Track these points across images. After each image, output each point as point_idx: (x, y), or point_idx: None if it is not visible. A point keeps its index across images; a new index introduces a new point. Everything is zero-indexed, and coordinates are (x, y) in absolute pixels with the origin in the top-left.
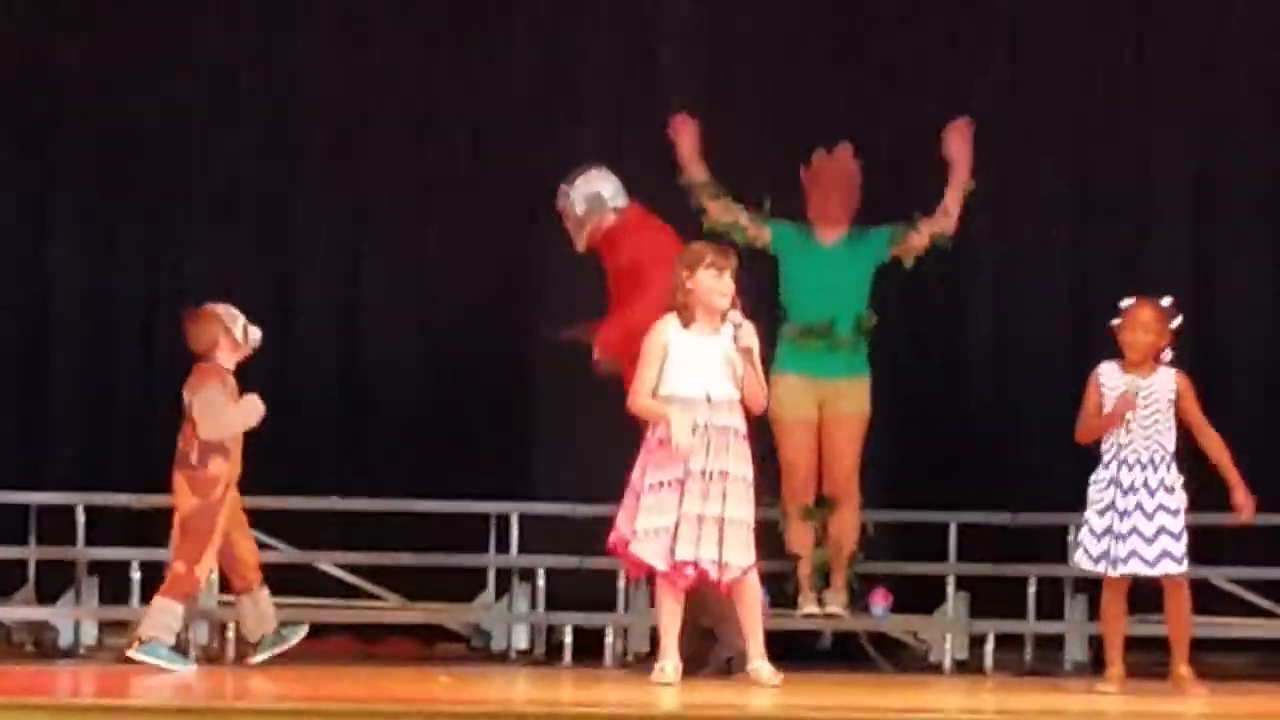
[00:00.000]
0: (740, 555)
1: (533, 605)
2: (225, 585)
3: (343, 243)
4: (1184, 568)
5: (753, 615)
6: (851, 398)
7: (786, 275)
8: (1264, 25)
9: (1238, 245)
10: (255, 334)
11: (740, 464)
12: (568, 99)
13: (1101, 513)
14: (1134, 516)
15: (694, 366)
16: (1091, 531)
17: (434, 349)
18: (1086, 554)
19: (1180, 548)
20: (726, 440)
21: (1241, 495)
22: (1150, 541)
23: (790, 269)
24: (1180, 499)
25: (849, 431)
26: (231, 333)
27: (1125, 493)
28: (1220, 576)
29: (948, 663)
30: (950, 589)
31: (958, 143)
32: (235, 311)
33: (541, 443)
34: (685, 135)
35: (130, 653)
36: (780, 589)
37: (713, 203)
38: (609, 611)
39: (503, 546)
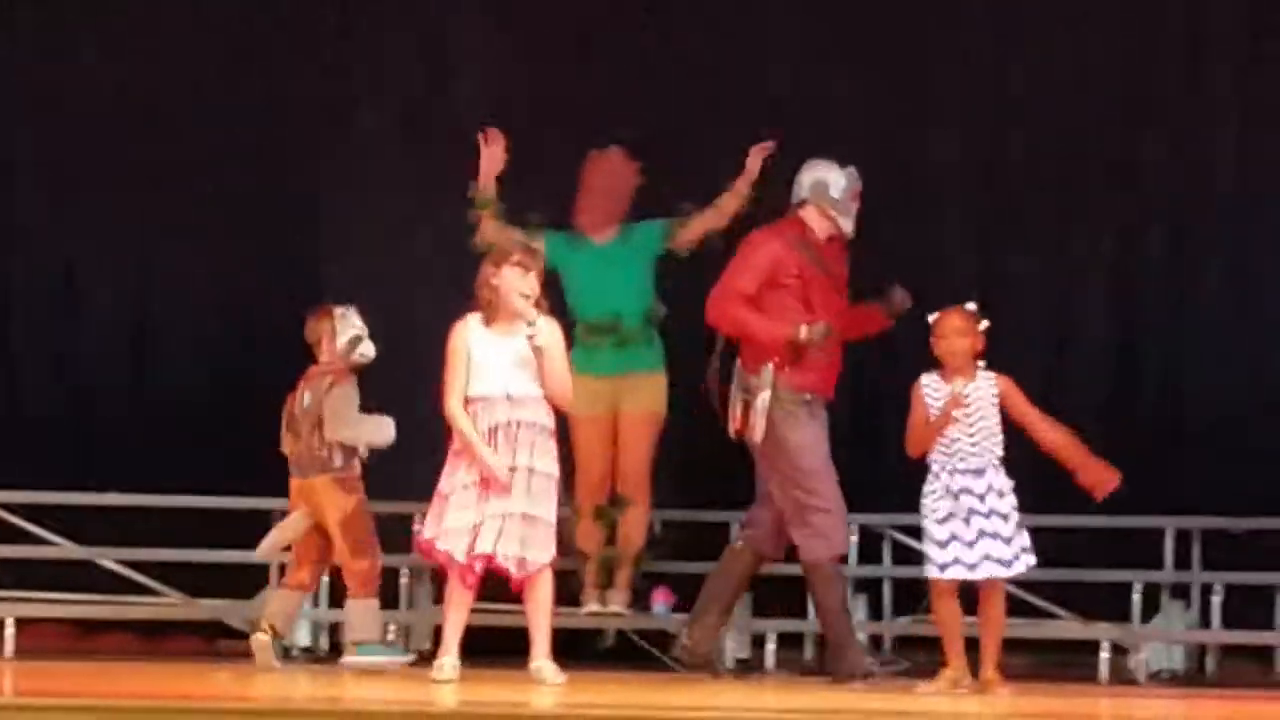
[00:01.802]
0: (540, 552)
1: (315, 602)
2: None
3: (131, 240)
4: (1010, 571)
5: (543, 613)
6: (645, 394)
7: (567, 279)
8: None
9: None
10: (365, 350)
11: (544, 460)
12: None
13: (941, 522)
14: (974, 521)
15: (494, 365)
16: (935, 541)
17: (218, 345)
18: (934, 564)
19: (1009, 551)
20: (531, 437)
21: (1095, 472)
22: (989, 541)
23: (568, 273)
24: (1011, 502)
25: (641, 430)
26: (335, 337)
27: (958, 498)
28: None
29: (729, 661)
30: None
31: (754, 155)
32: (355, 321)
33: None
34: (493, 149)
35: (346, 660)
36: (565, 587)
37: (491, 221)
38: (391, 609)
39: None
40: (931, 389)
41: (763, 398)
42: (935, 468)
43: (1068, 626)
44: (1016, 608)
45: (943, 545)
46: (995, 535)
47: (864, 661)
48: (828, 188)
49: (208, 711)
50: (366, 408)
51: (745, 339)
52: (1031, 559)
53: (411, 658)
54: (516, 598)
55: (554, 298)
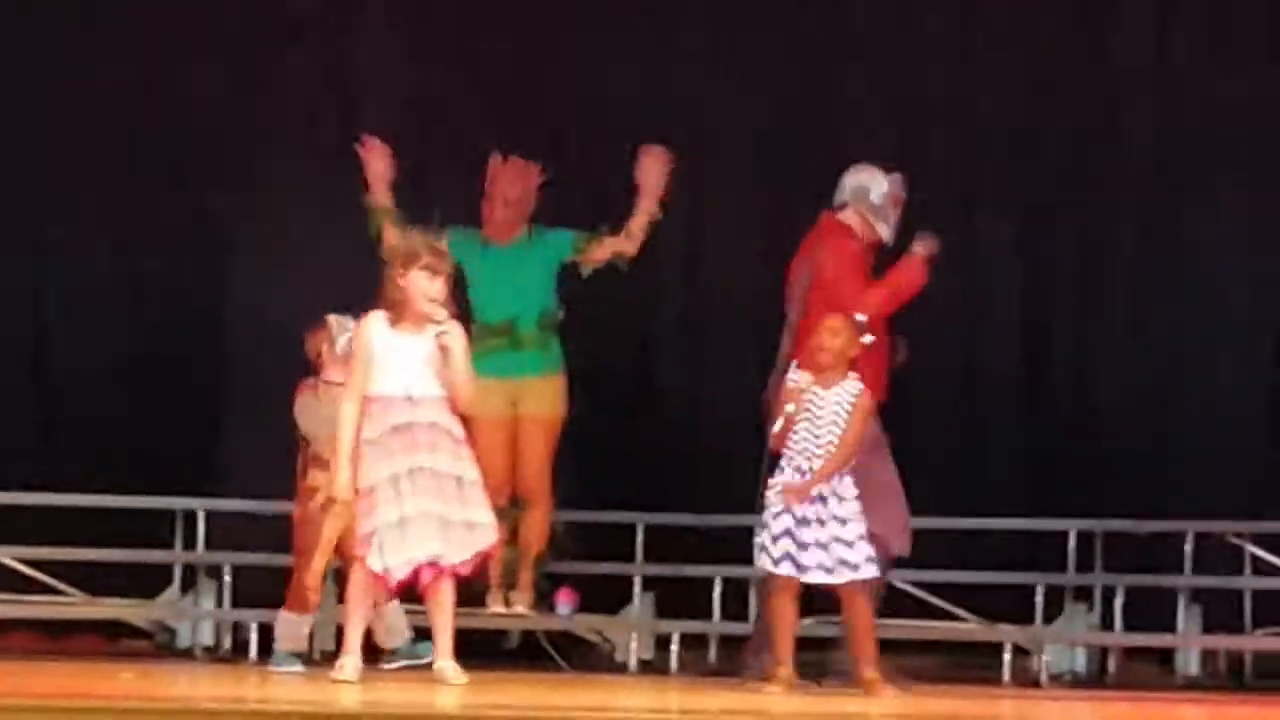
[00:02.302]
0: (448, 553)
1: (219, 602)
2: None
3: (31, 235)
4: (861, 574)
5: (444, 614)
6: (542, 397)
7: (468, 279)
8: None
9: None
10: None
11: (448, 460)
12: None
13: (776, 516)
14: (812, 526)
15: (396, 365)
16: (770, 534)
17: (126, 344)
18: (769, 557)
19: (856, 555)
20: (432, 438)
21: (802, 486)
22: (826, 549)
23: (469, 273)
24: (853, 508)
25: (540, 432)
26: (334, 345)
27: (801, 500)
28: (903, 579)
29: (633, 662)
30: (637, 589)
31: (649, 170)
32: (349, 325)
33: (231, 439)
34: (375, 158)
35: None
36: (468, 587)
37: (392, 229)
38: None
39: (189, 543)
40: (792, 382)
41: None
42: (782, 463)
43: (971, 629)
44: (920, 609)
45: (775, 539)
46: (834, 540)
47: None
48: (868, 192)
49: (111, 711)
50: None
51: (901, 304)
52: (873, 568)
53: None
54: (416, 598)
55: (458, 296)
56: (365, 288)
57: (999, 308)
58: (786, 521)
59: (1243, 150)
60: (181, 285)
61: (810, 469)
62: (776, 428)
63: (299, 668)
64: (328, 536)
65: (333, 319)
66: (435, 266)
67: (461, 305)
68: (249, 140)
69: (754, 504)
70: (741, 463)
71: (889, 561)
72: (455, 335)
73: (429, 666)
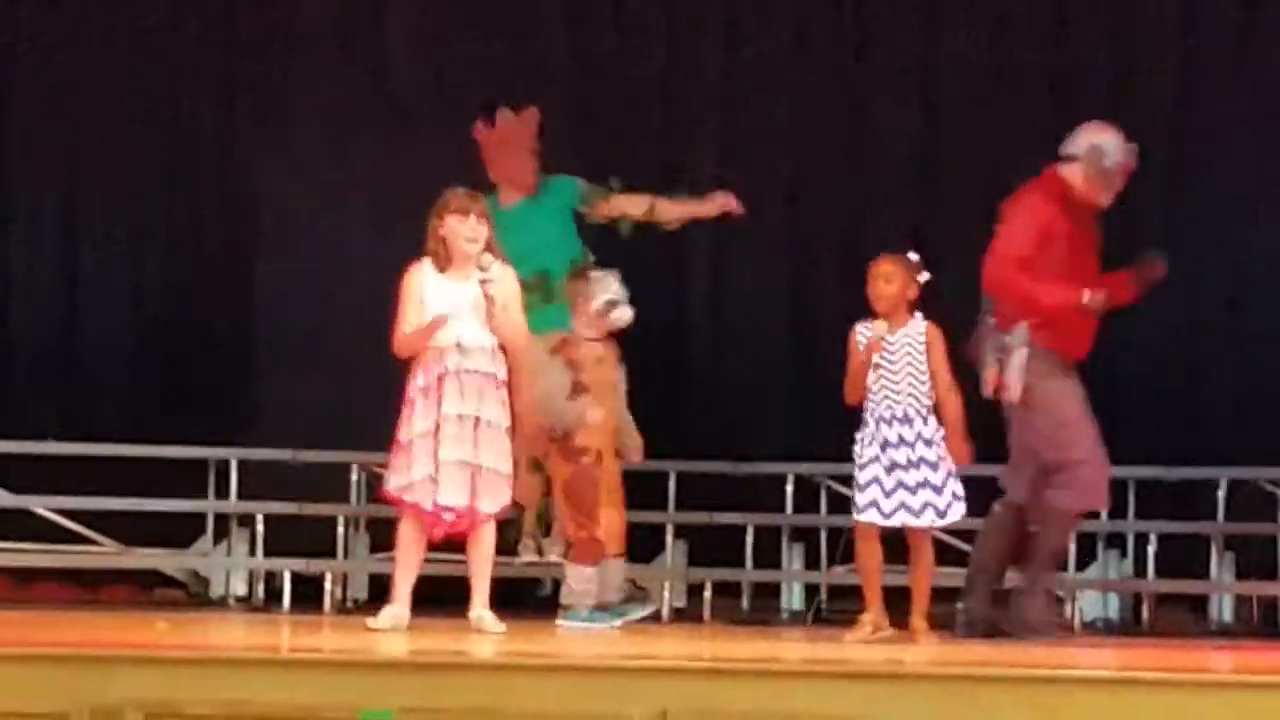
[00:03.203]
0: (489, 502)
1: (251, 551)
2: None
3: (56, 181)
4: (946, 520)
5: (484, 562)
6: None
7: None
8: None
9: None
10: (619, 314)
11: (494, 410)
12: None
13: (863, 466)
14: (897, 471)
15: (444, 312)
16: (857, 484)
17: (153, 291)
18: (856, 507)
19: (942, 500)
20: (479, 385)
21: (956, 446)
22: (914, 492)
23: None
24: (939, 451)
25: None
26: (590, 300)
27: (885, 447)
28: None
29: (666, 610)
30: (669, 537)
31: (712, 208)
32: (612, 285)
33: (262, 388)
34: None
35: (559, 622)
36: (502, 537)
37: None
38: (328, 558)
39: (222, 492)
40: (863, 335)
41: (1019, 355)
42: (865, 414)
43: (1006, 576)
44: (953, 557)
45: (862, 489)
46: (922, 485)
47: (1046, 617)
48: (1103, 155)
49: (146, 660)
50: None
51: (1027, 305)
52: (961, 507)
53: (618, 623)
54: (453, 547)
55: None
56: (397, 235)
57: None
58: (874, 471)
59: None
60: (213, 234)
61: (894, 416)
62: (854, 380)
63: (610, 622)
64: (605, 484)
65: (594, 274)
66: (467, 206)
67: None
68: (277, 85)
69: (785, 451)
70: (774, 410)
71: (1076, 514)
72: (503, 279)
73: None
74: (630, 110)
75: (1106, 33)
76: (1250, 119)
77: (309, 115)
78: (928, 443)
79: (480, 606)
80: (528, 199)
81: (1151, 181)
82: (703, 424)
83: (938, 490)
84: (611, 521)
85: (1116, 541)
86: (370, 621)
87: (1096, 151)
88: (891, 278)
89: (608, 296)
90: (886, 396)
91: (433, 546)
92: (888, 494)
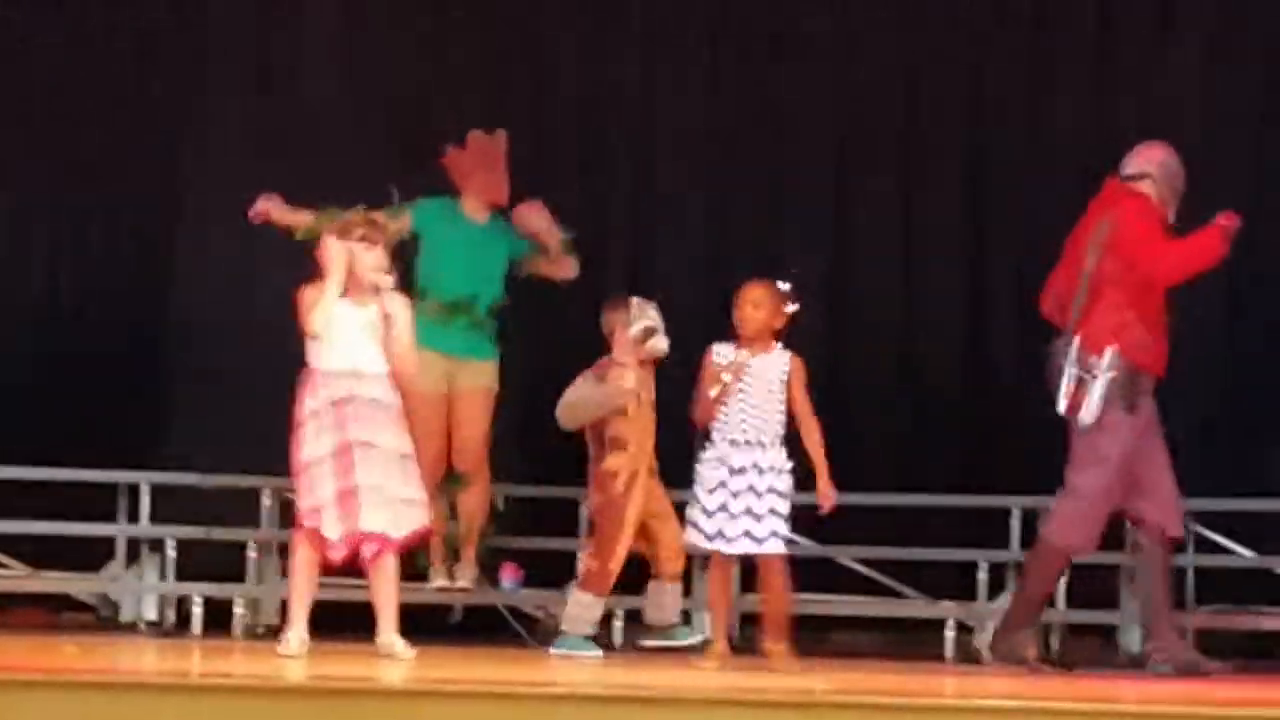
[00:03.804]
0: (395, 528)
1: (161, 575)
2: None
3: None
4: (761, 549)
5: (389, 589)
6: (481, 372)
7: (430, 250)
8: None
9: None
10: (655, 342)
11: (389, 436)
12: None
13: (711, 491)
14: (745, 496)
15: (340, 337)
16: (704, 510)
17: (63, 312)
18: (700, 532)
19: (786, 529)
20: (372, 413)
21: (822, 487)
22: (760, 520)
23: (434, 244)
24: (789, 481)
25: (479, 407)
26: (628, 327)
27: (735, 472)
28: (847, 556)
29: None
30: (579, 564)
31: (527, 220)
32: (651, 313)
33: (173, 412)
34: (275, 214)
35: (551, 649)
36: (412, 563)
37: (339, 227)
38: (239, 582)
39: (132, 516)
40: (720, 357)
41: (1105, 378)
42: (715, 437)
43: (914, 605)
44: (863, 586)
45: (709, 515)
46: (769, 512)
47: (1028, 649)
48: (1176, 175)
49: (53, 685)
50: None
51: (1197, 271)
52: (781, 546)
53: (600, 655)
54: (358, 572)
55: (402, 266)
56: (312, 260)
57: (939, 284)
58: (722, 496)
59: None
60: (127, 255)
61: (746, 441)
62: (713, 392)
63: (597, 653)
64: (630, 519)
65: (634, 301)
66: (371, 237)
67: (412, 274)
68: (197, 108)
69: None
70: (679, 436)
71: (1167, 545)
72: (399, 306)
73: (688, 650)
74: (547, 139)
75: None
76: None
77: (222, 138)
78: (779, 471)
79: (389, 632)
80: (491, 222)
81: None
82: None
83: (782, 517)
84: (670, 539)
85: None
86: (279, 647)
87: (1170, 172)
88: (760, 303)
89: (645, 323)
90: (737, 422)
91: (330, 571)
92: (732, 518)
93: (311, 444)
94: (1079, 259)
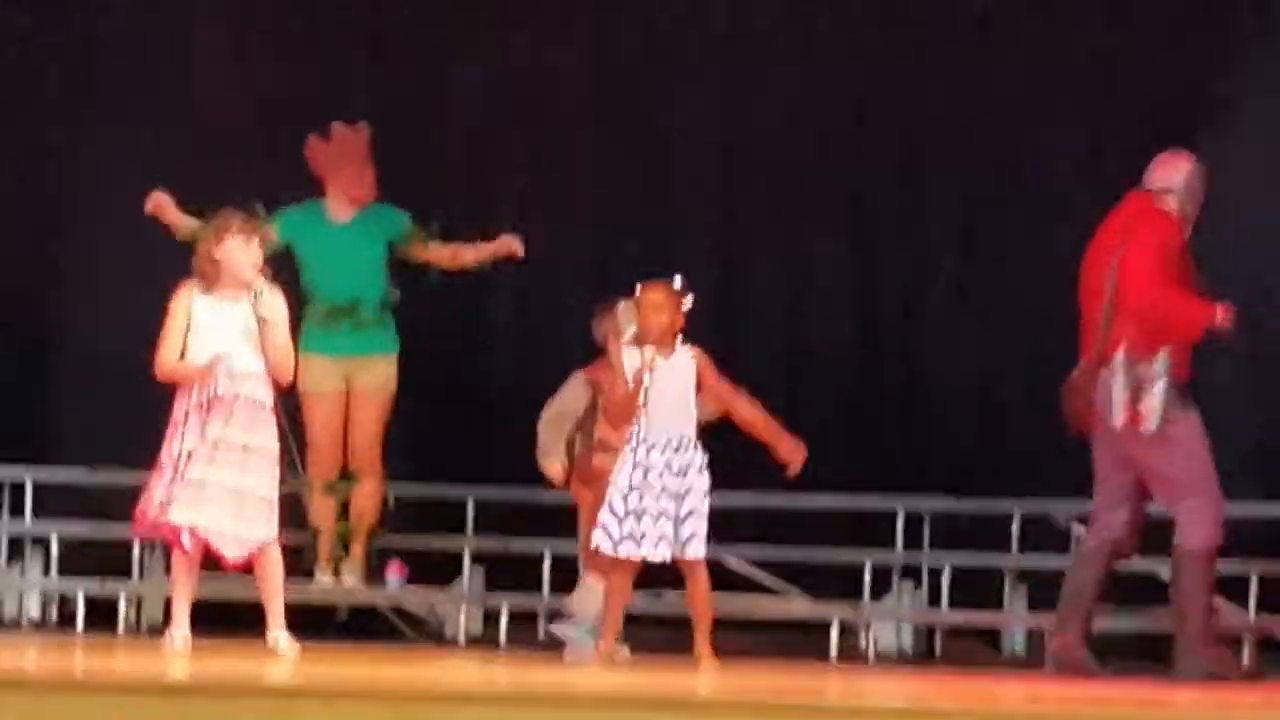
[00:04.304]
0: (259, 529)
1: (45, 572)
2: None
3: None
4: (696, 551)
5: (272, 586)
6: (377, 372)
7: (303, 257)
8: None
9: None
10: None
11: (260, 436)
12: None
13: (625, 494)
14: (661, 499)
15: (215, 336)
16: (613, 513)
17: None
18: (608, 535)
19: (705, 530)
20: (249, 412)
21: (787, 446)
22: (681, 523)
23: (305, 251)
24: (705, 481)
25: (373, 407)
26: (620, 333)
27: (649, 475)
28: (734, 557)
29: (462, 636)
30: (466, 563)
31: (504, 248)
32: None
33: (60, 408)
34: (161, 211)
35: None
36: (299, 560)
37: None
38: (123, 578)
39: (16, 512)
40: (628, 360)
41: (1161, 385)
42: (631, 441)
43: (799, 606)
44: (748, 586)
45: (620, 518)
46: (691, 514)
47: (1215, 662)
48: (1198, 188)
49: None
50: None
51: (1183, 322)
52: (701, 549)
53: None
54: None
55: (288, 275)
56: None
57: (825, 283)
58: (635, 500)
59: (1069, 126)
60: (11, 251)
61: (660, 444)
62: (619, 406)
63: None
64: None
65: (624, 305)
66: (249, 231)
67: (293, 284)
68: (82, 104)
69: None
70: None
71: (1210, 551)
72: (275, 304)
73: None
74: (434, 140)
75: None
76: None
77: (114, 134)
78: (699, 470)
79: (276, 629)
80: (357, 218)
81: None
82: (499, 450)
83: (702, 519)
84: None
85: (911, 573)
86: (165, 645)
87: (1193, 189)
88: (662, 308)
89: (636, 329)
90: (651, 424)
91: (228, 569)
92: (653, 522)
93: (180, 441)
94: (1089, 276)
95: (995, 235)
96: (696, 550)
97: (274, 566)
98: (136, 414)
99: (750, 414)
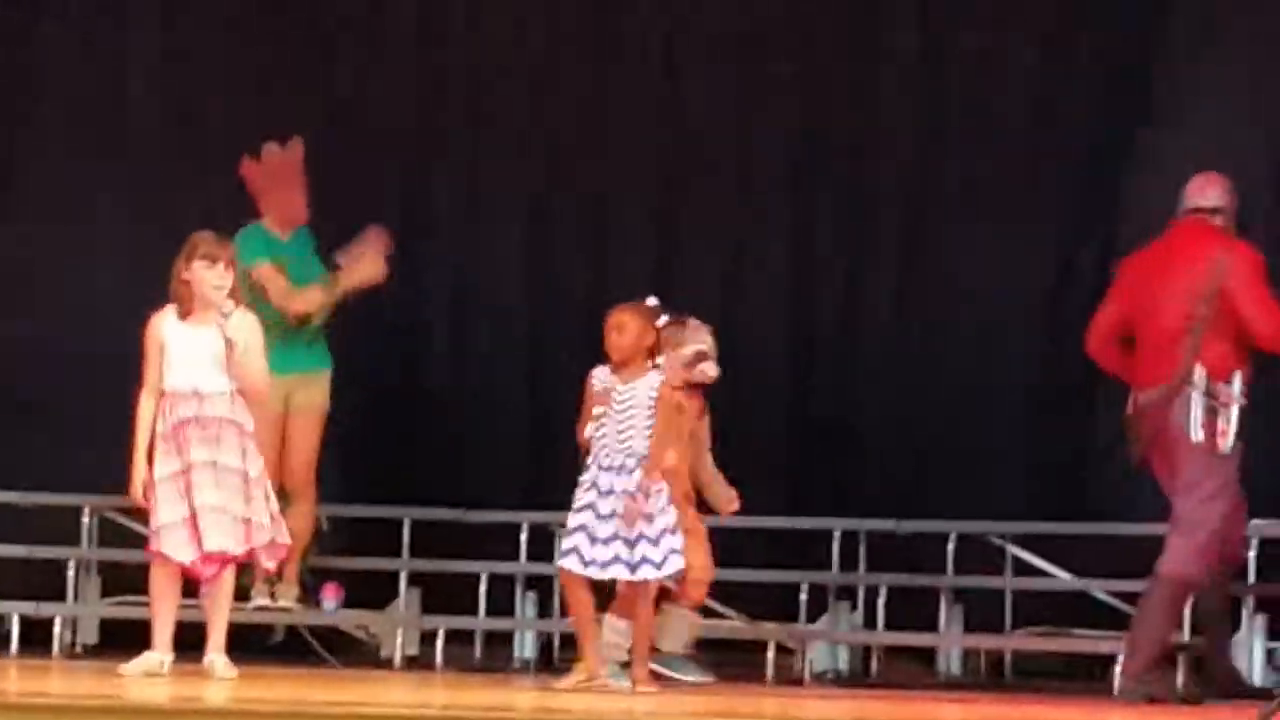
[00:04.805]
0: (228, 542)
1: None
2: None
3: None
4: (662, 573)
5: (221, 609)
6: (312, 391)
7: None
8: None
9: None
10: (706, 367)
11: (232, 455)
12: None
13: (577, 511)
14: (612, 521)
15: (185, 359)
16: (570, 531)
17: None
18: (576, 554)
19: (659, 553)
20: (218, 432)
21: (721, 489)
22: (631, 546)
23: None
24: (657, 504)
25: (309, 426)
26: (679, 349)
27: (604, 495)
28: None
29: (398, 658)
30: (402, 584)
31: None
32: (707, 337)
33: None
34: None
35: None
36: (235, 581)
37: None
38: (57, 601)
39: None
40: (598, 380)
41: (1238, 405)
42: (590, 460)
43: (735, 626)
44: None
45: (570, 534)
46: (640, 538)
47: (1155, 685)
48: (1238, 208)
49: None
50: None
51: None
52: (679, 560)
53: (710, 679)
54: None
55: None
56: (140, 279)
57: (762, 303)
58: (584, 518)
59: (1006, 143)
60: None
61: (614, 466)
62: (588, 430)
63: (709, 677)
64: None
65: (693, 322)
66: (215, 254)
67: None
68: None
69: (519, 500)
70: (508, 458)
71: (1179, 582)
72: (245, 326)
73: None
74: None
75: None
76: None
77: (52, 155)
78: (646, 494)
79: (215, 651)
80: (297, 237)
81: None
82: (436, 471)
83: (654, 543)
84: (698, 564)
85: (847, 593)
86: (122, 667)
87: (1234, 201)
88: (624, 328)
89: (698, 347)
90: (608, 446)
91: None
92: (603, 544)
93: (158, 466)
94: (1155, 298)
95: (932, 258)
96: (646, 574)
97: (226, 587)
98: (71, 437)
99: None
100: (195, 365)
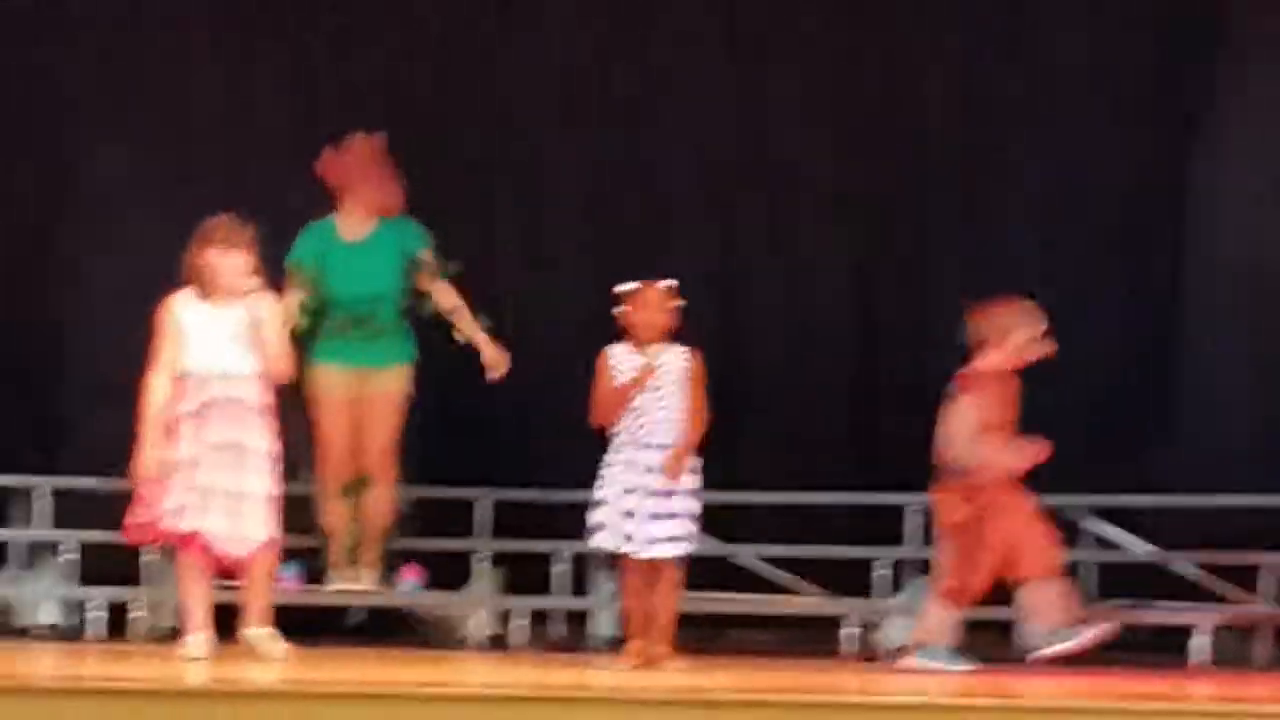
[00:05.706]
0: (257, 529)
1: (61, 579)
2: None
3: None
4: (689, 549)
5: (260, 585)
6: (390, 382)
7: (321, 273)
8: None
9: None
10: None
11: (255, 436)
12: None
13: (620, 496)
14: (654, 498)
15: (206, 341)
16: (616, 513)
17: None
18: (609, 534)
19: (691, 529)
20: (241, 413)
21: (677, 460)
22: (667, 522)
23: (320, 267)
24: (695, 480)
25: (386, 414)
26: (1013, 332)
27: (643, 473)
28: (746, 553)
29: (478, 638)
30: (481, 565)
31: (490, 352)
32: (1042, 319)
33: (72, 418)
34: None
35: (914, 660)
36: (313, 564)
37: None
38: (134, 585)
39: (40, 520)
40: (618, 359)
41: None
42: (622, 438)
43: (813, 602)
44: (760, 584)
45: (621, 517)
46: (674, 515)
47: None
48: None
49: None
50: None
51: None
52: (685, 547)
53: (971, 667)
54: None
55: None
56: (136, 261)
57: (828, 282)
58: (630, 500)
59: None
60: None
61: (650, 443)
62: (609, 400)
63: (964, 665)
64: (994, 538)
65: (1026, 305)
66: (230, 240)
67: (320, 296)
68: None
69: (589, 480)
70: (582, 438)
71: None
72: (265, 307)
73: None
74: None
75: None
76: None
77: (109, 136)
78: (691, 471)
79: (257, 626)
80: (376, 230)
81: None
82: (513, 452)
83: (690, 519)
84: (1037, 538)
85: (924, 568)
86: (180, 650)
87: None
88: (662, 306)
89: (1035, 330)
90: (648, 423)
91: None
92: (637, 520)
93: (181, 446)
94: None
95: (992, 230)
96: (672, 550)
97: (263, 567)
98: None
99: (684, 430)
100: (220, 346)
